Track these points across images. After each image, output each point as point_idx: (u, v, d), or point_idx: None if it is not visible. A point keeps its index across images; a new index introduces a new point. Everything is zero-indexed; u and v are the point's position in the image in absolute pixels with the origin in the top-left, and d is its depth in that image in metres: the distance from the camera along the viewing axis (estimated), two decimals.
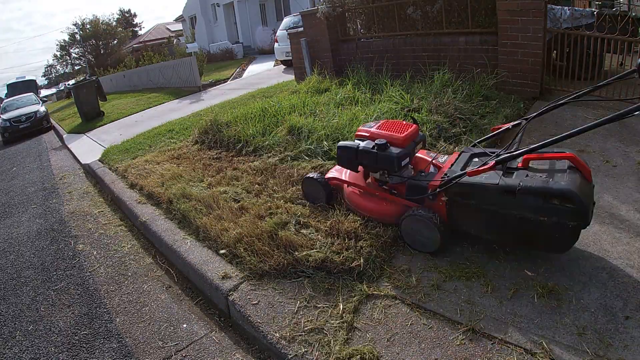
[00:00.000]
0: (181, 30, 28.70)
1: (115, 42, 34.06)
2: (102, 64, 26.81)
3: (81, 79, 13.24)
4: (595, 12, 4.36)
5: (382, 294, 1.94)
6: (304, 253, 2.18)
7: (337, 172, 2.67)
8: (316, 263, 2.13)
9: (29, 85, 20.81)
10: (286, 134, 3.83)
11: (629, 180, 2.58)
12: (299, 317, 1.88)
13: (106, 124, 8.49)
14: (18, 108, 12.19)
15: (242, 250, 2.34)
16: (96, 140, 6.99)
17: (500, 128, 2.29)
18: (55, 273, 2.91)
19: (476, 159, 2.13)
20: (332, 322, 1.82)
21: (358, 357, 1.62)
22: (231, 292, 2.10)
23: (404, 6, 5.17)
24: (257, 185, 3.12)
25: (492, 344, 1.59)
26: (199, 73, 11.07)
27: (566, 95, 2.15)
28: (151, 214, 3.20)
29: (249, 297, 2.05)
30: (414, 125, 2.34)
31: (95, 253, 3.11)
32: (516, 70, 4.21)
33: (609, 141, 3.11)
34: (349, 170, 2.55)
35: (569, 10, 4.40)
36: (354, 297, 1.94)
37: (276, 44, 11.14)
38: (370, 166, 2.31)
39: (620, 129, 3.29)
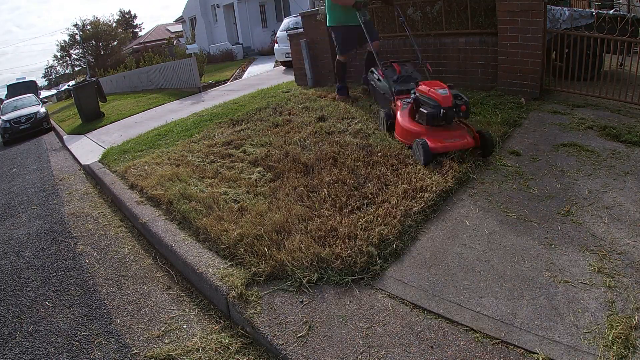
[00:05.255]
0: (181, 31, 28.73)
1: (116, 43, 34.10)
2: (102, 65, 26.82)
3: (81, 80, 13.25)
4: (594, 13, 4.36)
5: (381, 294, 1.94)
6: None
7: None
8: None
9: (29, 86, 20.85)
10: None
11: (630, 179, 2.58)
12: (300, 318, 1.88)
13: (106, 125, 8.49)
14: (18, 109, 12.19)
15: (242, 251, 2.34)
16: (96, 141, 6.99)
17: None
18: (55, 274, 2.91)
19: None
20: (333, 323, 1.82)
21: None
22: (231, 293, 2.10)
23: (404, 7, 5.18)
24: None
25: (492, 344, 1.59)
26: (199, 74, 11.07)
27: None
28: (151, 215, 3.20)
29: (249, 298, 2.05)
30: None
31: (95, 254, 3.11)
32: (516, 71, 4.21)
33: (609, 141, 3.12)
34: None
35: (568, 11, 4.40)
36: (354, 297, 1.94)
37: (276, 45, 11.15)
38: None
39: None
